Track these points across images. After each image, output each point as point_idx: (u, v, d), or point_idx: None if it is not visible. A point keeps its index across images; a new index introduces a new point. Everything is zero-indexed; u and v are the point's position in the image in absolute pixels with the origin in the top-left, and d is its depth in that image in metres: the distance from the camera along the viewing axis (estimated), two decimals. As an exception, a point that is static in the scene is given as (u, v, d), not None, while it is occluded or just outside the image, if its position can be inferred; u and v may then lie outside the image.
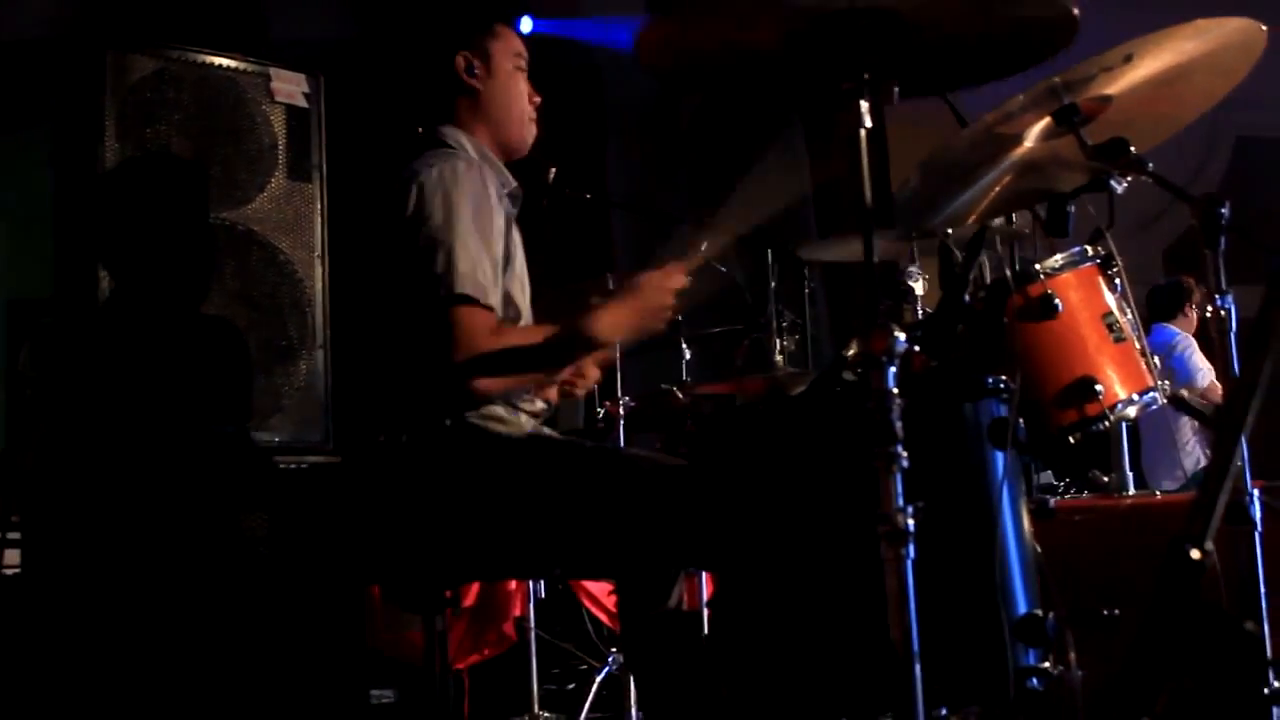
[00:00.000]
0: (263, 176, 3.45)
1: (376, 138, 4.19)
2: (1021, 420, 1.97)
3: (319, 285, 3.49)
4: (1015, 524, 1.95)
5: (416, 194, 2.54)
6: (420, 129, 2.82)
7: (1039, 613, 1.90)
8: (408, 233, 2.52)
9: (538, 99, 2.87)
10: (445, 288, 2.46)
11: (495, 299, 2.53)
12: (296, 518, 3.19)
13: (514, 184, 2.78)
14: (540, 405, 2.72)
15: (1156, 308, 6.48)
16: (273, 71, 3.51)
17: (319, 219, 3.53)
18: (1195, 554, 1.07)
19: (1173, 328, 6.39)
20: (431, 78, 2.80)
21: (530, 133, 2.86)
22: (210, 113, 3.38)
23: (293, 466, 3.34)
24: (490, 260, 2.53)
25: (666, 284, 2.56)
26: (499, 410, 2.59)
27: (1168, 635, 1.06)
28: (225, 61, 3.43)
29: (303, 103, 3.55)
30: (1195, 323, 6.32)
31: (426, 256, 2.48)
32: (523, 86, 2.84)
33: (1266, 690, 1.95)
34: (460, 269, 2.47)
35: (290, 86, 3.54)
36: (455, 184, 2.54)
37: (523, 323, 2.72)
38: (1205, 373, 6.12)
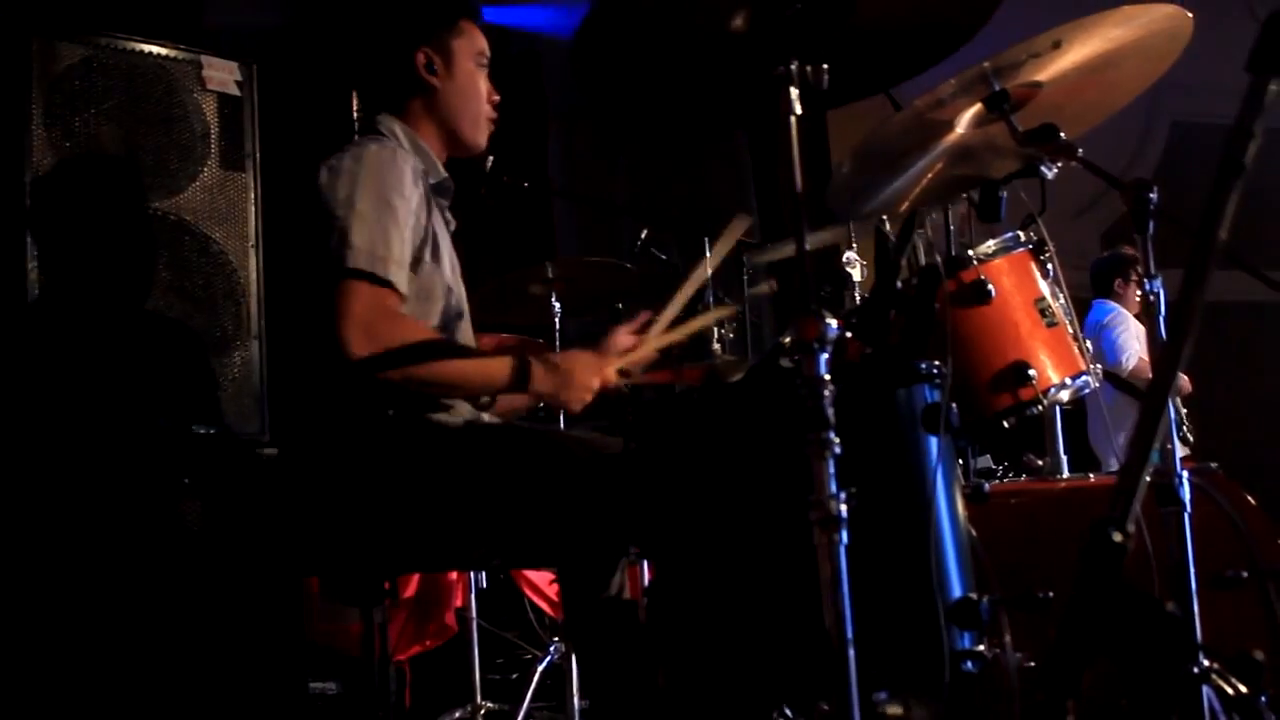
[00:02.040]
0: (195, 166, 3.40)
1: (311, 126, 4.14)
2: (955, 405, 1.98)
3: (253, 275, 3.45)
4: (949, 508, 1.96)
5: (326, 176, 2.50)
6: (358, 116, 2.79)
7: (974, 596, 1.91)
8: (314, 215, 2.48)
9: (496, 98, 2.83)
10: (338, 263, 2.40)
11: (399, 278, 2.45)
12: (233, 510, 3.16)
13: (444, 175, 2.75)
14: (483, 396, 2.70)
15: (1097, 281, 6.51)
16: (204, 59, 3.47)
17: (253, 208, 3.49)
18: (1117, 536, 1.08)
19: (1110, 304, 6.39)
20: (387, 71, 2.75)
21: (484, 133, 2.82)
22: (141, 101, 3.33)
23: (229, 458, 3.31)
24: (398, 239, 2.46)
25: (605, 367, 2.53)
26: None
27: (1090, 618, 1.07)
28: (156, 49, 3.38)
29: (235, 91, 3.50)
30: (1135, 296, 6.29)
31: (325, 235, 2.43)
32: (482, 86, 2.79)
33: (1195, 669, 1.99)
34: (355, 243, 2.40)
35: (222, 74, 3.49)
36: (361, 164, 2.50)
37: (464, 310, 2.71)
38: (1133, 354, 6.13)
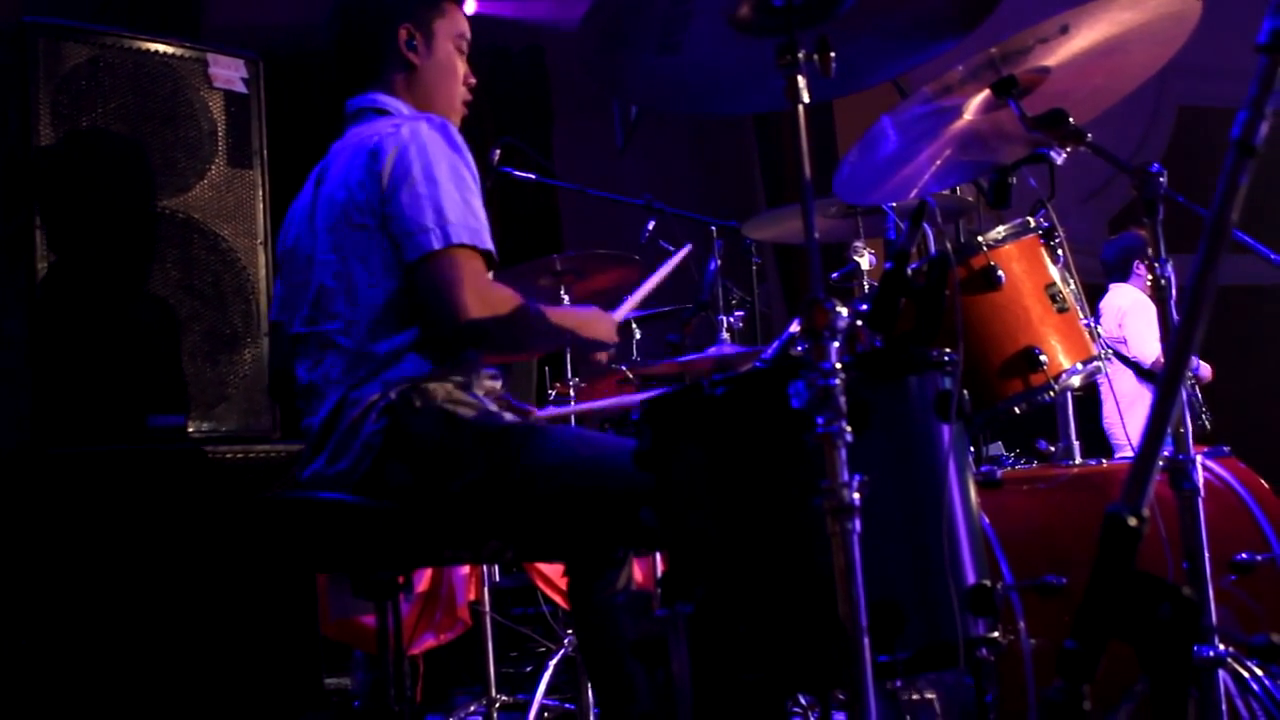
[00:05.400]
0: (202, 164, 3.41)
1: (318, 122, 4.15)
2: (966, 392, 1.98)
3: (262, 272, 3.46)
4: (962, 496, 1.96)
5: (391, 157, 2.52)
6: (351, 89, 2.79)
7: (987, 583, 1.91)
8: (387, 198, 2.51)
9: (473, 81, 2.85)
10: (439, 236, 2.46)
11: (491, 245, 2.54)
12: (246, 507, 3.16)
13: None
14: (493, 384, 2.70)
15: (1112, 264, 6.48)
16: (210, 57, 3.47)
17: (261, 205, 3.50)
18: (1132, 521, 1.08)
19: (1130, 288, 6.37)
20: (370, 44, 2.76)
21: (458, 115, 2.84)
22: (147, 100, 3.34)
23: (240, 456, 3.31)
24: (481, 208, 2.54)
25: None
26: (464, 392, 2.57)
27: (1107, 604, 1.07)
28: (161, 47, 3.38)
29: (241, 88, 3.51)
30: (1148, 278, 6.22)
31: (411, 212, 2.48)
32: (460, 69, 2.82)
33: (1211, 654, 1.99)
34: (450, 217, 2.47)
35: (229, 72, 3.50)
36: (425, 140, 2.54)
37: None
38: (1157, 345, 6.08)
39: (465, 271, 2.47)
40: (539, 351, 2.67)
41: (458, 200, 2.50)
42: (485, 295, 2.48)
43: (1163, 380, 1.15)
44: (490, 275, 2.56)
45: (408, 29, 2.74)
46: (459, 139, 2.60)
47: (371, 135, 2.58)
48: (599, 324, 2.73)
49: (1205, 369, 6.11)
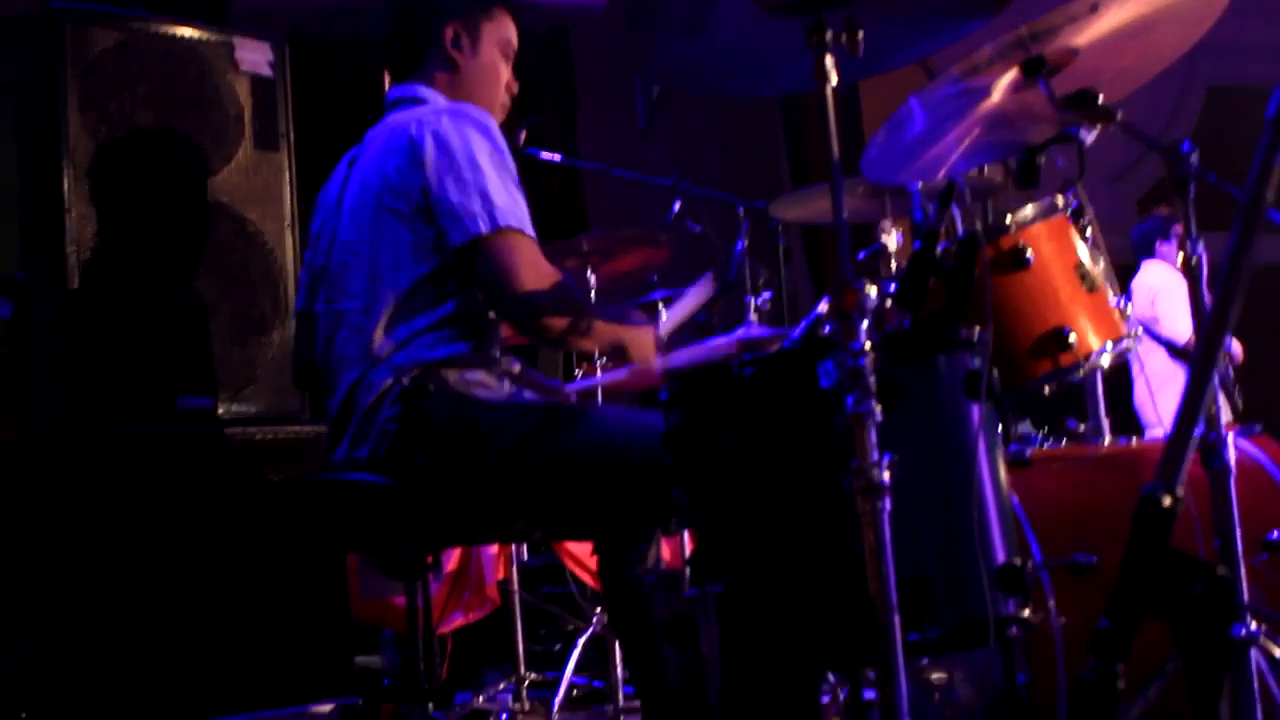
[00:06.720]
0: (230, 147, 3.42)
1: (344, 105, 4.16)
2: (995, 371, 1.98)
3: (290, 255, 3.47)
4: (992, 475, 1.96)
5: (432, 147, 2.53)
6: (390, 80, 2.80)
7: (1017, 562, 1.91)
8: (430, 184, 2.53)
9: (515, 89, 2.86)
10: (489, 221, 2.49)
11: (534, 234, 2.56)
12: (276, 488, 3.18)
13: None
14: (516, 367, 2.71)
15: (1139, 245, 6.50)
16: (236, 41, 3.48)
17: (288, 189, 3.51)
18: (1166, 501, 1.08)
19: (1160, 265, 6.38)
20: (416, 37, 2.77)
21: (498, 120, 2.85)
22: (174, 84, 3.35)
23: (268, 437, 3.34)
24: (523, 197, 2.57)
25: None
26: (479, 374, 2.58)
27: (1141, 583, 1.07)
28: (188, 32, 3.39)
29: (268, 72, 3.52)
30: (1177, 254, 6.25)
31: (459, 198, 2.50)
32: (503, 73, 2.83)
33: (1242, 632, 1.98)
34: (498, 203, 2.50)
35: (255, 56, 3.51)
36: (465, 130, 2.56)
37: None
38: (1189, 324, 6.05)
39: (520, 251, 2.50)
40: (587, 345, 2.67)
41: (501, 188, 2.52)
42: (541, 272, 2.51)
43: (1196, 362, 1.15)
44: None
45: (455, 27, 2.75)
46: (498, 132, 2.62)
47: (410, 121, 2.60)
48: (644, 343, 2.65)
49: (1237, 347, 6.09)
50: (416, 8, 2.79)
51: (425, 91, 2.74)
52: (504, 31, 2.82)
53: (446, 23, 2.75)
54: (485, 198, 2.50)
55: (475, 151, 2.54)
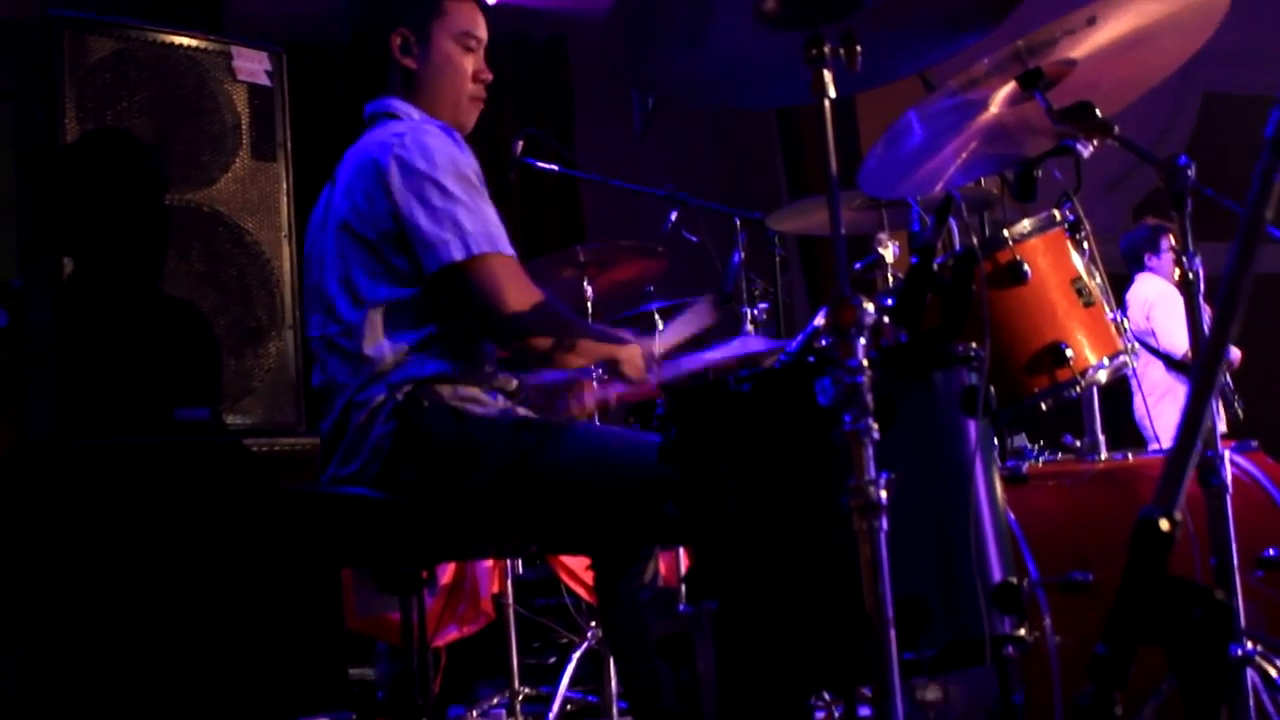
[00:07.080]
0: (227, 156, 3.40)
1: (341, 113, 4.15)
2: (992, 388, 1.97)
3: (286, 265, 3.46)
4: (989, 492, 1.95)
5: (397, 171, 2.52)
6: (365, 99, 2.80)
7: (1014, 580, 1.90)
8: (399, 210, 2.51)
9: (488, 77, 2.82)
10: (461, 249, 2.48)
11: (511, 251, 2.55)
12: (272, 501, 3.17)
13: None
14: (513, 384, 2.71)
15: (1128, 255, 6.46)
16: (234, 50, 3.46)
17: (285, 198, 3.49)
18: (1165, 525, 1.07)
19: (1155, 278, 6.34)
20: (372, 52, 2.77)
21: (470, 114, 2.82)
22: (171, 93, 3.33)
23: (265, 449, 3.32)
24: (494, 212, 2.56)
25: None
26: (473, 390, 2.58)
27: (1139, 608, 1.06)
28: (186, 40, 3.38)
29: (265, 81, 3.50)
30: (1171, 266, 6.22)
31: (429, 225, 2.49)
32: (466, 67, 2.79)
33: (1238, 652, 1.98)
34: (469, 228, 2.49)
35: (252, 65, 3.49)
36: (429, 151, 2.54)
37: None
38: (1185, 337, 6.02)
39: (498, 274, 2.50)
40: (576, 362, 2.65)
41: (471, 210, 2.52)
42: (522, 292, 2.51)
43: (1194, 386, 1.14)
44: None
45: (401, 35, 2.74)
46: (462, 145, 2.60)
47: (373, 144, 2.59)
48: (634, 357, 2.66)
49: (1235, 353, 6.05)
50: (364, 24, 2.79)
51: (396, 104, 2.73)
52: (459, 24, 2.78)
53: (393, 31, 2.74)
54: (457, 225, 2.49)
55: (440, 174, 2.52)
